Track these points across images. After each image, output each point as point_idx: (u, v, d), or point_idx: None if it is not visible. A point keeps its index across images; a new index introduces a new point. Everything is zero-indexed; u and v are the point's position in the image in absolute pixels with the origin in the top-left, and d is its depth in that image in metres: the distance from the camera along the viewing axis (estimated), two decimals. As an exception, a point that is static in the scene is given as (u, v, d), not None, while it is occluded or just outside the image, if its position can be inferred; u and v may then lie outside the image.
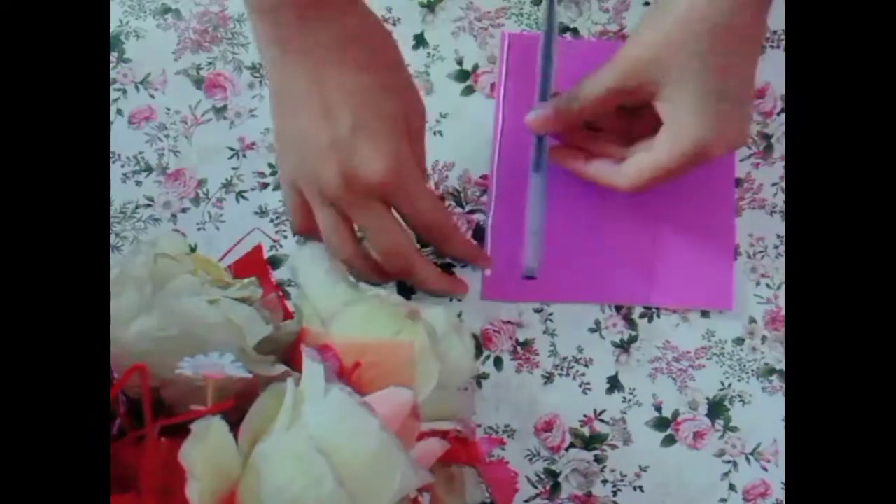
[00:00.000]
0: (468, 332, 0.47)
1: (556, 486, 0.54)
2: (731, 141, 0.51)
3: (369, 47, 0.50)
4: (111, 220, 0.57)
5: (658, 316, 0.56)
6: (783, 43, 0.60)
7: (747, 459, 0.54)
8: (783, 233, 0.57)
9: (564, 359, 0.56)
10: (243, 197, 0.58)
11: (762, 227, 0.57)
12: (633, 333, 0.56)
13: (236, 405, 0.39)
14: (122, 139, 0.59)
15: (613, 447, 0.54)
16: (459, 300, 0.56)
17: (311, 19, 0.48)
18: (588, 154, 0.55)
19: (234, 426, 0.39)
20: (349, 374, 0.42)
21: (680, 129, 0.51)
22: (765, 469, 0.54)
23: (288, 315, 0.50)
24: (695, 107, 0.50)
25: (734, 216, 0.57)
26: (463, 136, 0.59)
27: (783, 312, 0.56)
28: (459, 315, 0.56)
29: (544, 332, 0.56)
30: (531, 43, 0.59)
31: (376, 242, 0.52)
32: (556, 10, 0.58)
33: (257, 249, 0.54)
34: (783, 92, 0.59)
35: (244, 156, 0.59)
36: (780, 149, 0.58)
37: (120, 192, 0.58)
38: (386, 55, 0.51)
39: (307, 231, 0.53)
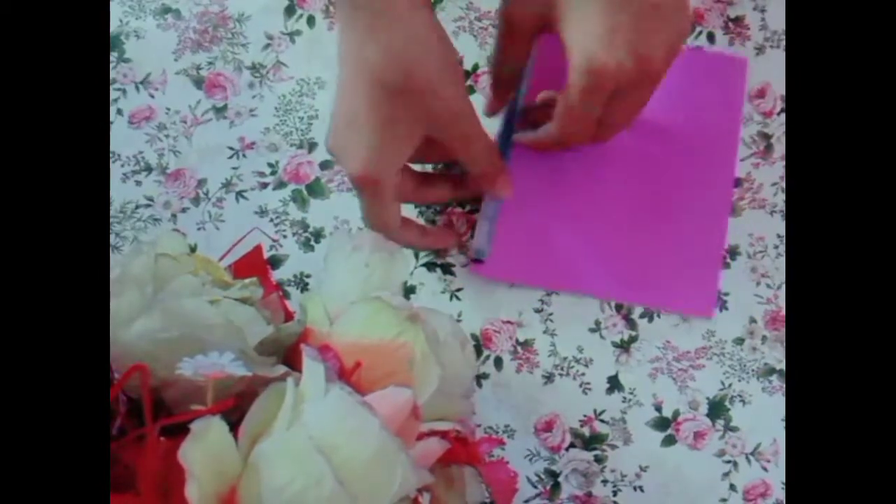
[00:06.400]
0: (469, 342, 0.47)
1: (556, 486, 0.54)
2: (626, 56, 0.46)
3: (417, 58, 0.47)
4: (111, 220, 0.57)
5: (658, 316, 0.56)
6: (783, 43, 0.60)
7: (747, 459, 0.54)
8: (783, 233, 0.57)
9: (564, 359, 0.56)
10: (243, 197, 0.58)
11: (762, 227, 0.57)
12: (633, 333, 0.56)
13: (236, 405, 0.39)
14: (122, 139, 0.59)
15: (613, 447, 0.54)
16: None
17: (380, 21, 0.46)
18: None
19: (234, 426, 0.39)
20: (349, 375, 0.42)
21: (572, 48, 0.47)
22: (765, 469, 0.54)
23: (289, 316, 0.50)
24: (580, 18, 0.47)
25: (726, 225, 0.57)
26: (463, 136, 0.58)
27: (783, 312, 0.56)
28: (459, 315, 0.56)
29: (544, 332, 0.56)
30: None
31: (364, 220, 0.53)
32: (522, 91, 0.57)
33: (257, 249, 0.54)
34: (783, 92, 0.59)
35: (244, 156, 0.59)
36: (780, 149, 0.58)
37: (120, 192, 0.58)
38: (431, 68, 0.47)
39: None
